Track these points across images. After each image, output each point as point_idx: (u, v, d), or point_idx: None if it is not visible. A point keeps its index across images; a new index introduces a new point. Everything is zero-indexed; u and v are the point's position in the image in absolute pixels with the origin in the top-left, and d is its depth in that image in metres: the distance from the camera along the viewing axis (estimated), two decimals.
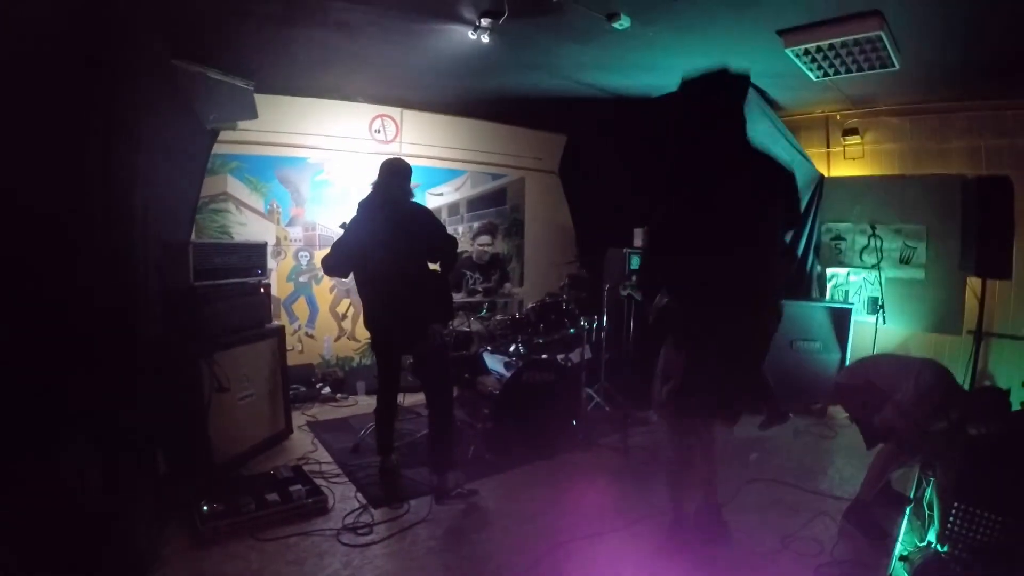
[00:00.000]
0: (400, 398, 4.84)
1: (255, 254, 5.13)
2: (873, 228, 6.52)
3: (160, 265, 4.28)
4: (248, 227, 6.49)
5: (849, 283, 6.79)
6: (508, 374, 5.11)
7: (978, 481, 3.16)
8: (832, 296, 6.87)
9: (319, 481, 4.27)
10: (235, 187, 6.42)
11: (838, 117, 6.85)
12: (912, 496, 3.87)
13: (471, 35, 4.58)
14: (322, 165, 6.92)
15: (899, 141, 6.51)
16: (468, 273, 6.58)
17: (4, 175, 2.80)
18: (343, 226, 4.36)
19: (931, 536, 3.34)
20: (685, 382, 3.23)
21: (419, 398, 5.74)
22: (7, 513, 2.66)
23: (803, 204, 6.57)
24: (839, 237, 6.92)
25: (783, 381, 5.66)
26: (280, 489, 3.94)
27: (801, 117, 7.09)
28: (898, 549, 3.42)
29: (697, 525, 3.45)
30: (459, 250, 4.85)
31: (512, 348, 5.63)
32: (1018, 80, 5.15)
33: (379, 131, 7.20)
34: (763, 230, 3.26)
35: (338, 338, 7.20)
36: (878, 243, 6.49)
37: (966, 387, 5.27)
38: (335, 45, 4.99)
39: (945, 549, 3.19)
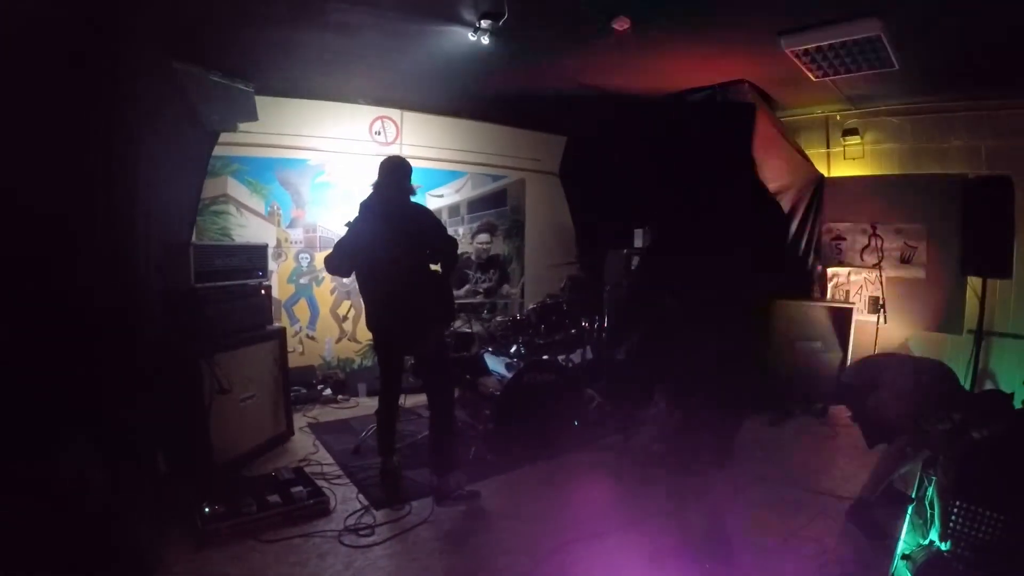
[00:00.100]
0: (401, 400, 4.82)
1: (256, 256, 5.14)
2: (873, 228, 6.53)
3: (161, 267, 4.29)
4: (249, 229, 6.49)
5: (850, 283, 6.79)
6: (509, 375, 5.11)
7: (979, 480, 3.16)
8: (833, 296, 6.87)
9: (320, 482, 4.27)
10: (236, 189, 6.41)
11: (838, 117, 6.85)
12: (914, 495, 3.87)
13: (471, 36, 4.58)
14: (323, 167, 6.92)
15: (899, 141, 6.51)
16: (470, 273, 6.59)
17: (5, 175, 2.80)
18: (348, 225, 4.36)
19: (933, 535, 3.34)
20: (680, 440, 3.24)
21: (420, 399, 5.74)
22: (7, 513, 2.66)
23: (803, 206, 6.58)
24: (840, 237, 6.92)
25: (784, 381, 5.68)
26: (282, 490, 3.94)
27: (801, 117, 7.09)
28: (900, 548, 3.42)
29: (705, 533, 3.43)
30: (459, 251, 4.85)
31: (513, 349, 5.63)
32: (1018, 81, 5.15)
33: (379, 133, 7.20)
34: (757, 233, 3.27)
35: (339, 340, 7.19)
36: (879, 243, 6.50)
37: (968, 387, 5.28)
38: (336, 47, 5.00)
39: (947, 548, 3.19)
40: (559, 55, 5.19)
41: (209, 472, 4.20)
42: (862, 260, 6.74)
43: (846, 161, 6.89)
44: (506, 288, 6.78)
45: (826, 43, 4.48)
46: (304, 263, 6.89)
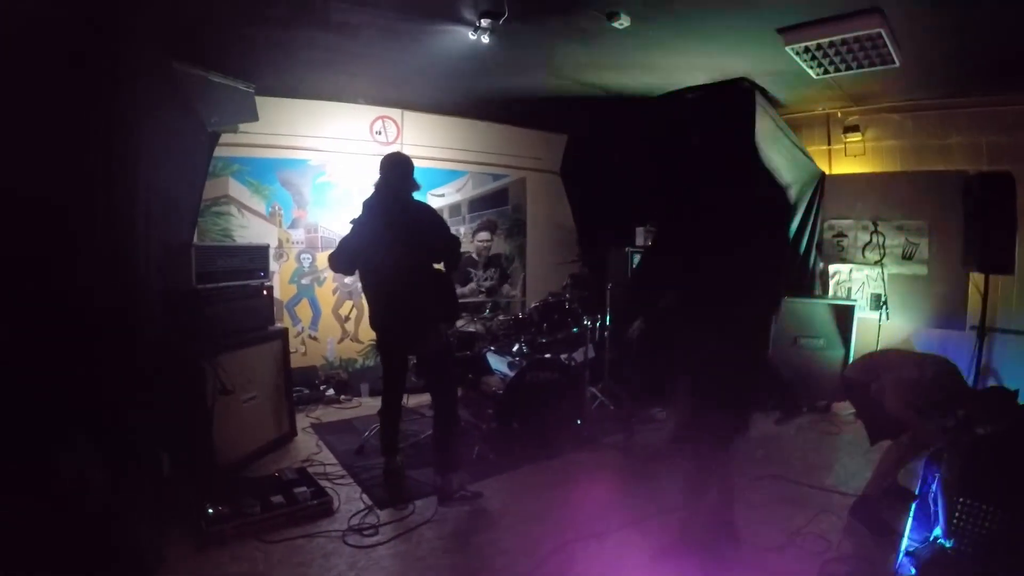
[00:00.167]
0: (404, 399, 4.83)
1: (257, 257, 5.14)
2: (875, 224, 6.53)
3: (162, 268, 4.29)
4: (250, 230, 6.49)
5: (852, 280, 6.79)
6: (512, 374, 5.11)
7: (983, 476, 3.16)
8: (835, 293, 6.86)
9: (324, 483, 4.27)
10: (237, 190, 6.42)
11: (839, 114, 6.84)
12: (918, 491, 3.87)
13: (471, 36, 4.57)
14: (323, 167, 6.93)
15: (900, 138, 6.50)
16: (472, 271, 6.58)
17: (5, 175, 2.80)
18: (353, 222, 4.36)
19: (937, 531, 3.34)
20: (696, 413, 3.22)
21: (423, 399, 5.76)
22: (10, 514, 2.66)
23: (805, 201, 6.58)
24: (841, 234, 6.91)
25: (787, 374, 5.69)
26: (285, 491, 3.94)
27: (802, 115, 7.07)
28: (904, 545, 3.42)
29: (706, 527, 3.43)
30: (461, 250, 4.83)
31: (515, 348, 5.63)
32: (1019, 76, 5.14)
33: (380, 132, 7.20)
34: (759, 233, 3.26)
35: (341, 340, 7.19)
36: (880, 239, 6.50)
37: (971, 383, 5.27)
38: (336, 47, 4.99)
39: (951, 544, 3.19)
40: (559, 53, 5.18)
41: (212, 473, 4.20)
42: (864, 257, 6.73)
43: (847, 158, 6.88)
44: (507, 288, 6.77)
45: (826, 40, 4.47)
46: (306, 263, 6.89)
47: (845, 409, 5.90)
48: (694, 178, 3.20)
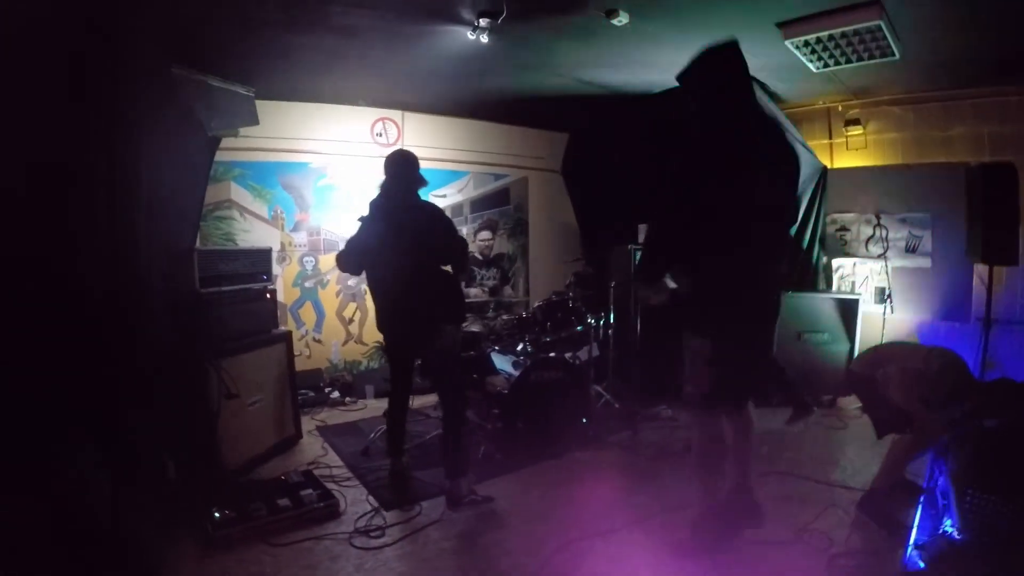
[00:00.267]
0: (409, 400, 4.82)
1: (260, 260, 5.14)
2: (878, 218, 6.51)
3: (165, 272, 4.29)
4: (253, 233, 6.50)
5: (855, 273, 6.77)
6: (516, 373, 5.11)
7: (991, 468, 3.15)
8: (838, 287, 6.85)
9: (330, 485, 4.27)
10: (239, 194, 6.43)
11: (840, 108, 6.83)
12: (925, 485, 3.85)
13: (470, 36, 4.58)
14: (325, 170, 6.93)
15: (902, 130, 6.49)
16: (475, 270, 6.57)
17: (8, 180, 2.81)
18: (361, 220, 4.33)
19: (945, 524, 3.33)
20: (714, 372, 3.18)
21: (427, 400, 5.76)
22: (16, 519, 2.66)
23: (807, 196, 6.57)
24: (844, 228, 6.90)
25: (791, 369, 5.67)
26: (291, 494, 3.94)
27: (803, 109, 7.07)
28: (912, 538, 3.40)
29: (728, 504, 3.40)
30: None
31: (520, 347, 5.63)
32: (1020, 66, 5.12)
33: (381, 134, 7.20)
34: (776, 209, 3.22)
35: (345, 342, 7.20)
36: (883, 233, 6.49)
37: (977, 375, 5.25)
38: (335, 49, 5.00)
39: (959, 537, 3.18)
40: (558, 51, 5.18)
41: (218, 477, 4.20)
42: (867, 250, 6.72)
43: (849, 151, 6.86)
44: (508, 290, 6.77)
45: (826, 33, 4.46)
46: (309, 266, 6.90)
47: (851, 404, 5.89)
48: (694, 173, 3.16)
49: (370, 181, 6.74)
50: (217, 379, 4.22)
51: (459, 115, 7.68)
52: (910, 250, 6.41)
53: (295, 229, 6.82)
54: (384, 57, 5.25)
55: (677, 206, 3.24)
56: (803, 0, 4.16)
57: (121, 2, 3.50)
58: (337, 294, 7.10)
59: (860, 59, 4.93)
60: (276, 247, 6.53)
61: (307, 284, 6.91)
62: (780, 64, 5.28)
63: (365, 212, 4.32)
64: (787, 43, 4.67)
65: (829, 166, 6.93)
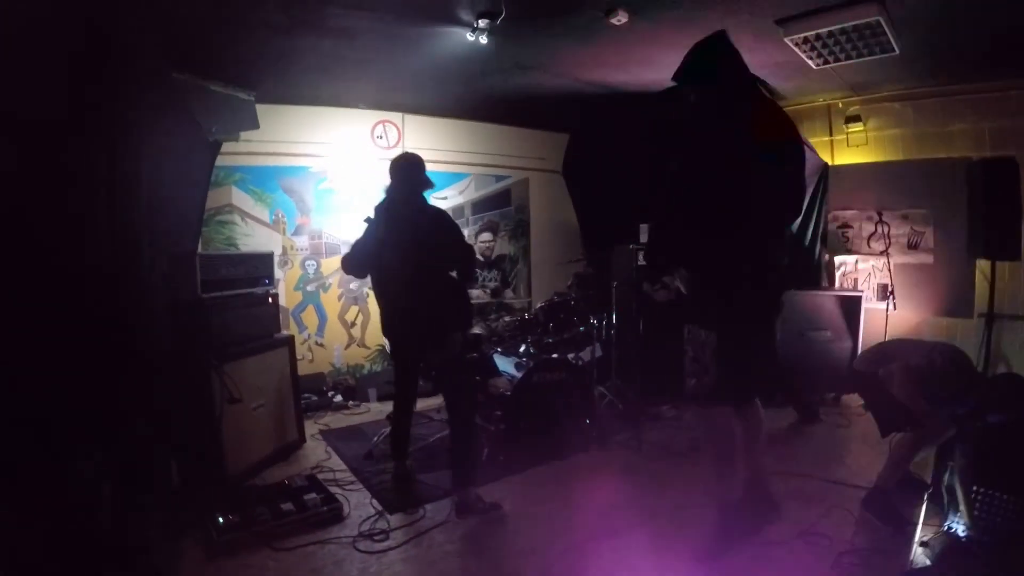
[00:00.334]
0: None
1: (262, 264, 5.13)
2: (879, 214, 6.50)
3: (167, 277, 4.29)
4: (254, 238, 6.50)
5: (858, 271, 6.76)
6: (519, 375, 5.10)
7: (996, 464, 3.14)
8: (841, 284, 6.84)
9: (334, 489, 4.26)
10: (240, 198, 6.43)
11: (840, 105, 6.82)
12: (930, 481, 3.84)
13: (469, 37, 4.58)
14: (325, 173, 6.93)
15: (902, 126, 6.48)
16: (478, 272, 6.55)
17: (8, 182, 2.80)
18: (367, 220, 4.27)
19: (950, 521, 3.32)
20: (719, 365, 3.15)
21: (431, 403, 5.75)
22: (20, 526, 2.66)
23: (808, 194, 6.55)
24: (846, 225, 6.90)
25: (795, 371, 5.65)
26: (295, 498, 3.93)
27: (803, 106, 7.06)
28: (918, 535, 3.40)
29: (746, 501, 3.38)
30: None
31: (522, 349, 5.62)
32: (1020, 60, 5.11)
33: (381, 137, 7.20)
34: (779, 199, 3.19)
35: (348, 346, 7.20)
36: (885, 229, 6.47)
37: (981, 370, 5.25)
38: (334, 52, 5.00)
39: (965, 533, 3.17)
40: (558, 51, 5.18)
41: (221, 482, 4.20)
42: (869, 247, 6.71)
43: (850, 148, 6.86)
44: (508, 293, 6.76)
45: (825, 30, 4.46)
46: (310, 270, 6.90)
47: (855, 401, 5.87)
48: (693, 169, 3.14)
49: (371, 184, 6.79)
50: (220, 384, 4.22)
51: (459, 117, 7.68)
52: (912, 246, 6.41)
53: (296, 233, 6.82)
54: (383, 59, 5.25)
55: (678, 202, 3.23)
56: None
57: (121, 7, 3.50)
58: (339, 297, 7.10)
59: (860, 55, 4.92)
60: (278, 251, 6.53)
61: (309, 288, 6.91)
62: (780, 62, 5.28)
63: (370, 213, 4.27)
64: (787, 40, 4.66)
65: (830, 163, 6.92)
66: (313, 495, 4.00)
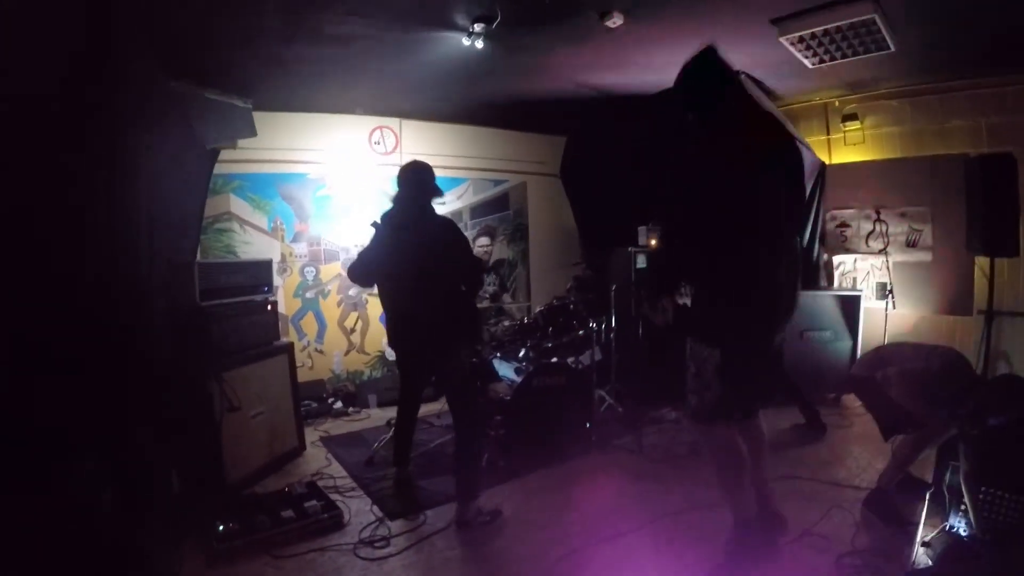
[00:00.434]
0: None
1: (261, 272, 5.14)
2: (878, 213, 6.50)
3: (166, 285, 4.28)
4: (253, 245, 6.51)
5: (856, 269, 6.76)
6: (519, 379, 5.10)
7: (998, 463, 3.13)
8: (840, 284, 6.84)
9: (334, 496, 4.26)
10: (238, 206, 6.44)
11: (837, 103, 6.82)
12: (931, 481, 3.83)
13: (465, 41, 4.57)
14: (323, 180, 6.94)
15: (899, 124, 6.47)
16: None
17: (5, 190, 2.80)
18: (374, 225, 4.16)
19: (952, 521, 3.31)
20: (723, 383, 3.12)
21: (431, 408, 5.75)
22: (20, 535, 2.66)
23: (806, 194, 6.56)
24: (844, 224, 6.89)
25: (796, 372, 5.64)
26: (295, 505, 3.93)
27: (799, 105, 7.06)
28: (919, 535, 3.38)
29: (759, 518, 3.32)
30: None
31: (521, 353, 5.61)
32: (1016, 56, 5.11)
33: (379, 142, 7.21)
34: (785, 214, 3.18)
35: (348, 352, 7.19)
36: (883, 227, 6.47)
37: (980, 368, 5.24)
38: (331, 59, 5.01)
39: (966, 533, 3.16)
40: (553, 54, 5.18)
41: (222, 489, 4.20)
42: (868, 246, 6.71)
43: (847, 147, 6.85)
44: (506, 298, 6.76)
45: (820, 29, 4.46)
46: (309, 277, 6.90)
47: (855, 401, 5.85)
48: (697, 167, 3.13)
49: (369, 190, 6.80)
50: (219, 392, 4.22)
51: (457, 121, 7.69)
52: (911, 244, 6.40)
53: (295, 240, 6.82)
54: (380, 65, 5.26)
55: (681, 222, 3.22)
56: None
57: (118, 15, 3.50)
58: (338, 304, 7.10)
59: (855, 53, 4.92)
60: (276, 258, 6.54)
61: (308, 295, 6.91)
62: (775, 61, 5.28)
63: (374, 217, 4.20)
64: (782, 40, 4.66)
65: (827, 162, 6.92)
66: (313, 502, 3.99)
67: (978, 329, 5.60)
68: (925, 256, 6.34)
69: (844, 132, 6.79)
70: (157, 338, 3.96)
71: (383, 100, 6.63)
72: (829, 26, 4.41)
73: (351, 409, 6.68)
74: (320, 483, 4.46)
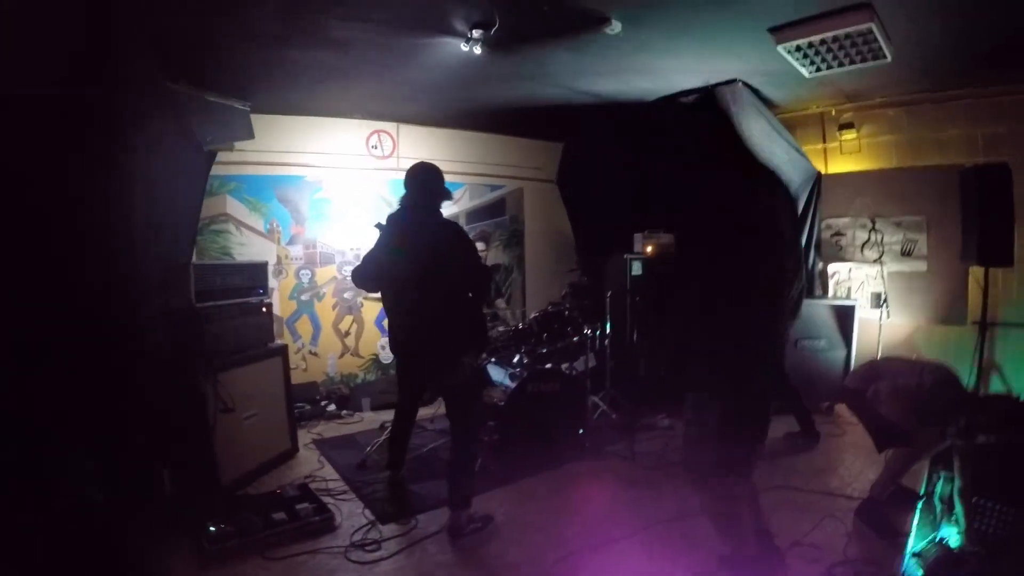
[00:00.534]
0: None
1: (256, 274, 5.14)
2: (873, 222, 6.52)
3: (162, 286, 4.28)
4: (249, 247, 6.50)
5: (851, 279, 6.77)
6: (513, 385, 5.10)
7: (988, 474, 3.14)
8: (835, 293, 6.85)
9: (326, 498, 4.26)
10: (235, 208, 6.43)
11: (833, 112, 6.83)
12: (922, 492, 3.84)
13: (464, 48, 4.57)
14: (320, 183, 6.93)
15: (895, 133, 6.49)
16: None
17: (7, 194, 2.80)
18: (379, 226, 4.05)
19: (943, 531, 3.31)
20: (722, 442, 3.10)
21: (425, 412, 5.73)
22: (11, 535, 2.65)
23: (801, 202, 6.57)
24: (839, 233, 6.90)
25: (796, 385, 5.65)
26: (287, 507, 3.93)
27: (796, 114, 7.07)
28: (910, 546, 3.39)
29: (759, 555, 3.23)
30: None
31: (516, 359, 5.61)
32: (1013, 65, 5.13)
33: (376, 147, 7.21)
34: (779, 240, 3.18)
35: (342, 355, 7.18)
36: (879, 237, 6.49)
37: (974, 378, 5.24)
38: (330, 63, 5.01)
39: (958, 544, 3.16)
40: (552, 61, 5.18)
41: (214, 491, 4.19)
42: (863, 255, 6.71)
43: (843, 156, 6.87)
44: (500, 303, 6.76)
45: (817, 38, 4.47)
46: (305, 279, 6.89)
47: (848, 410, 5.86)
48: (689, 185, 3.15)
49: (366, 193, 6.80)
50: (213, 393, 4.21)
51: (454, 127, 7.69)
52: (906, 254, 6.41)
53: (291, 242, 6.82)
54: (378, 70, 5.26)
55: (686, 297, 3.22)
56: (794, 5, 4.16)
57: (118, 16, 3.50)
58: (333, 307, 7.09)
59: (852, 63, 4.93)
60: (272, 260, 6.53)
61: (303, 297, 6.90)
62: (772, 70, 5.29)
63: (370, 221, 4.17)
64: (779, 48, 4.67)
65: (823, 171, 6.94)
66: (305, 504, 3.99)
67: (972, 339, 5.61)
68: (920, 266, 6.35)
69: (840, 141, 6.80)
70: (152, 338, 3.96)
71: (381, 104, 6.62)
72: (826, 35, 4.42)
73: (344, 412, 6.68)
74: (312, 485, 4.46)
